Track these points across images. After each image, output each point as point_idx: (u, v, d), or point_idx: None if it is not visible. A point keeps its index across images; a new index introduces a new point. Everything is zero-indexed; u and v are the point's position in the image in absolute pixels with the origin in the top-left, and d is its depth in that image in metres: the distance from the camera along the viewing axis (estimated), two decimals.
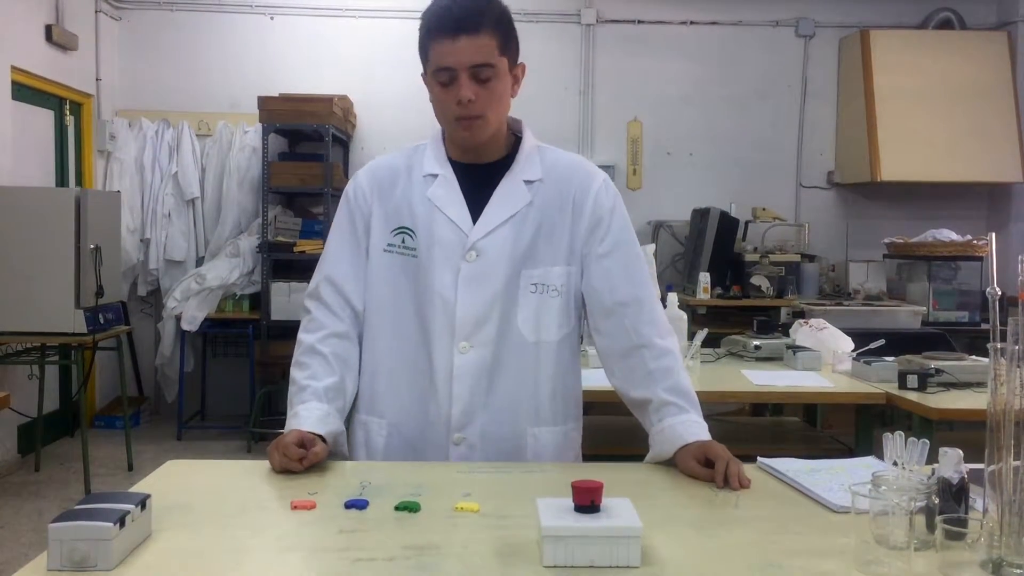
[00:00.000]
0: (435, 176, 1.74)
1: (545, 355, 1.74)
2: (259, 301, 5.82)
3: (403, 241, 1.73)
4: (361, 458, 1.75)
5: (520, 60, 1.72)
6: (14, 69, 5.03)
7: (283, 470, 1.55)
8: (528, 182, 1.73)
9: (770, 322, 3.96)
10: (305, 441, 1.58)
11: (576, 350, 1.81)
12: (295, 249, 5.74)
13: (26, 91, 5.26)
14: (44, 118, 5.57)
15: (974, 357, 3.19)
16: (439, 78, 1.64)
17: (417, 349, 1.72)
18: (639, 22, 6.40)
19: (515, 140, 1.79)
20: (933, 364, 3.01)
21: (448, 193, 1.73)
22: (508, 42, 1.66)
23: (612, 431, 2.88)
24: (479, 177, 1.74)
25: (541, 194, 1.73)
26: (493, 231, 1.70)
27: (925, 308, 5.62)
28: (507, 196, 1.72)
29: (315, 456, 1.57)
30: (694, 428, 1.64)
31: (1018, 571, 1.14)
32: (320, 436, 1.62)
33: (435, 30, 1.63)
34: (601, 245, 1.74)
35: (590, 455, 1.85)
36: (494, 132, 1.71)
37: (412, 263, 1.72)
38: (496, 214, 1.71)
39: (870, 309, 5.58)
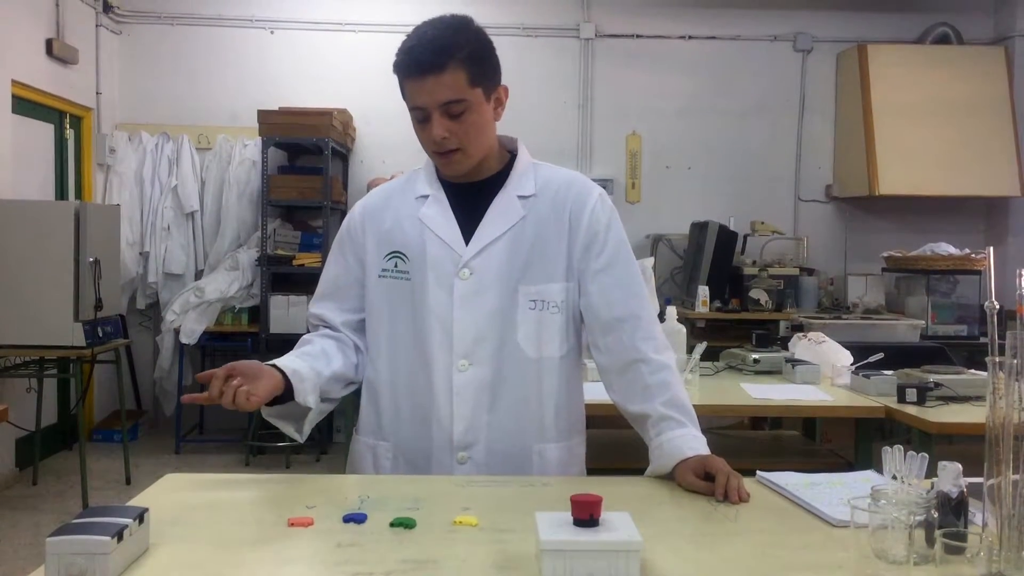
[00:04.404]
0: (426, 197, 1.75)
1: (548, 371, 1.73)
2: (258, 314, 5.82)
3: (396, 265, 1.73)
4: None
5: (503, 82, 1.70)
6: (14, 83, 5.04)
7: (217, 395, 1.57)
8: (522, 197, 1.72)
9: (769, 335, 3.97)
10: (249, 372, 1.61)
11: (578, 365, 1.81)
12: (294, 262, 5.75)
13: (26, 104, 5.27)
14: (44, 131, 5.59)
15: (973, 371, 3.19)
16: (414, 116, 1.66)
17: (417, 370, 1.71)
18: (638, 37, 6.43)
19: (509, 157, 1.77)
20: (932, 378, 3.02)
21: (439, 212, 1.72)
22: (481, 71, 1.63)
23: (612, 445, 2.88)
24: (472, 195, 1.73)
25: (535, 209, 1.72)
26: (486, 248, 1.69)
27: (924, 322, 5.62)
28: (501, 212, 1.71)
29: (251, 397, 1.57)
30: (693, 442, 1.64)
31: None
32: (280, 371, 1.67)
33: (403, 70, 1.63)
34: (597, 261, 1.73)
35: (590, 469, 1.84)
36: (477, 160, 1.70)
37: (407, 286, 1.72)
38: (489, 231, 1.70)
39: (869, 323, 5.58)
